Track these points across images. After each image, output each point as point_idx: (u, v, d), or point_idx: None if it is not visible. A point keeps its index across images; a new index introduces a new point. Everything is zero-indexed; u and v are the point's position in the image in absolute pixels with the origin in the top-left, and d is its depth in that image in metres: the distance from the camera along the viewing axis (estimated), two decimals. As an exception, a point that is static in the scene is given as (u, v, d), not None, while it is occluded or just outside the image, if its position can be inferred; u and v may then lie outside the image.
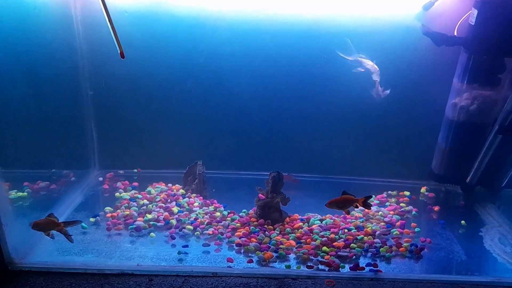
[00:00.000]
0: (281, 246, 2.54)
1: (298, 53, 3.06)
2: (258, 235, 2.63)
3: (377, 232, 2.72)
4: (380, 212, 2.98)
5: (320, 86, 3.14)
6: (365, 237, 2.66)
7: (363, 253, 2.54)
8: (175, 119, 3.27)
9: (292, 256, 2.48)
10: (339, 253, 2.50)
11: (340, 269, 2.38)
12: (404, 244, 2.60)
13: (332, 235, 2.67)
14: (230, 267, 2.36)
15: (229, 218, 2.83)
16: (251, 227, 2.72)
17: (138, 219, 2.76)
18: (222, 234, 2.66)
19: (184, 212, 2.89)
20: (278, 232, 2.69)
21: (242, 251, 2.52)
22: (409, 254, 2.54)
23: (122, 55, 2.08)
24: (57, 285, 2.17)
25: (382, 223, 2.84)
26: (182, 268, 2.32)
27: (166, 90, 3.17)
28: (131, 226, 2.68)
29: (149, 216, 2.78)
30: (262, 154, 3.35)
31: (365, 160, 3.34)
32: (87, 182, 3.21)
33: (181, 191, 3.13)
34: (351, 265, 2.39)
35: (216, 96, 3.19)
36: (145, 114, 3.24)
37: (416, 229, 2.80)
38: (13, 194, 2.65)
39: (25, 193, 2.75)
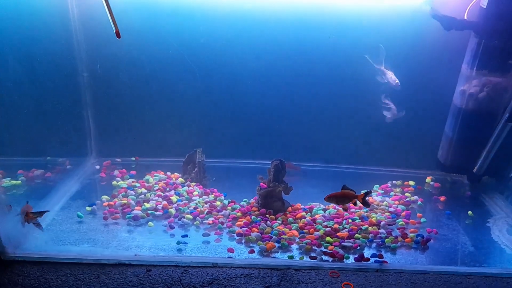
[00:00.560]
0: (283, 236, 2.49)
1: (301, 39, 2.99)
2: (259, 225, 2.58)
3: (382, 223, 2.66)
4: (385, 202, 2.92)
5: (324, 74, 3.08)
6: (370, 228, 2.60)
7: (368, 244, 2.49)
8: (175, 106, 3.20)
9: (294, 246, 2.43)
10: (343, 243, 2.44)
11: (345, 260, 2.33)
12: (410, 234, 2.55)
13: (336, 225, 2.62)
14: (231, 257, 2.31)
15: (229, 208, 2.78)
16: (253, 217, 2.67)
17: (136, 208, 2.71)
18: (222, 223, 2.61)
19: (184, 201, 2.83)
20: (280, 222, 2.64)
21: (243, 241, 2.47)
22: (415, 245, 2.49)
23: (117, 35, 1.99)
24: (52, 275, 2.11)
25: (387, 213, 2.79)
26: (181, 258, 2.26)
27: (165, 75, 3.09)
28: (128, 215, 2.63)
29: (147, 205, 2.73)
30: (264, 142, 3.29)
31: (368, 149, 3.29)
32: (84, 170, 3.16)
33: (180, 179, 3.08)
34: (356, 256, 2.33)
35: (216, 81, 3.12)
36: (144, 100, 3.17)
37: (422, 220, 2.74)
38: (7, 182, 2.62)
39: (19, 181, 2.71)
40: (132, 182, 3.02)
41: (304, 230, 2.56)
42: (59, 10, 2.81)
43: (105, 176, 3.13)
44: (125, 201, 2.76)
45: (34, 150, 2.73)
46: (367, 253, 2.39)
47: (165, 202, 2.78)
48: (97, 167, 3.22)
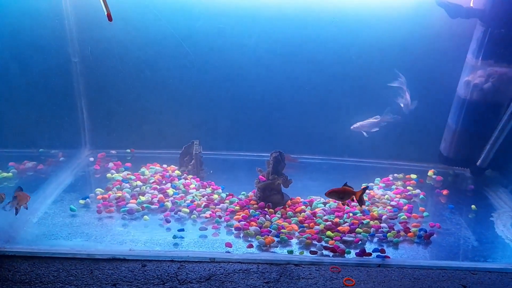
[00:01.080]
0: (282, 230, 2.44)
1: (303, 30, 2.93)
2: (258, 219, 2.53)
3: (384, 217, 2.60)
4: (386, 196, 2.87)
5: (325, 66, 3.03)
6: (371, 222, 2.54)
7: (369, 238, 2.43)
8: (171, 96, 3.14)
9: (294, 241, 2.39)
10: (344, 238, 2.39)
11: (346, 254, 2.27)
12: (412, 229, 2.50)
13: (337, 219, 2.56)
14: (229, 252, 2.26)
15: (227, 201, 2.73)
16: (251, 210, 2.62)
17: (131, 201, 2.66)
18: (220, 217, 2.55)
19: (180, 194, 2.79)
20: (279, 216, 2.59)
21: (241, 235, 2.42)
22: (418, 240, 2.44)
23: (109, 18, 1.90)
24: (44, 271, 2.05)
25: (389, 207, 2.73)
26: (178, 253, 2.21)
27: (161, 65, 3.03)
28: (123, 209, 2.57)
29: (142, 198, 2.68)
30: (263, 133, 3.25)
31: (370, 142, 3.21)
32: (77, 163, 3.11)
33: (177, 172, 3.02)
34: (357, 251, 2.28)
35: (214, 71, 3.06)
36: (140, 90, 3.11)
37: (425, 214, 2.69)
38: (-3, 174, 2.59)
39: (10, 174, 2.68)
40: (127, 174, 2.96)
41: (304, 224, 2.51)
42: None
43: (99, 168, 3.08)
44: (119, 194, 2.70)
45: (26, 141, 2.68)
46: (368, 247, 2.34)
47: (161, 195, 2.73)
48: (91, 159, 3.18)
